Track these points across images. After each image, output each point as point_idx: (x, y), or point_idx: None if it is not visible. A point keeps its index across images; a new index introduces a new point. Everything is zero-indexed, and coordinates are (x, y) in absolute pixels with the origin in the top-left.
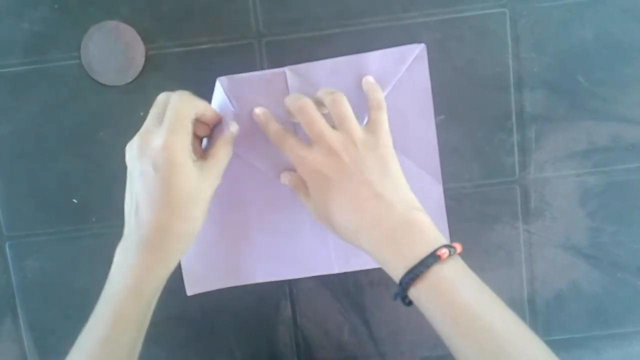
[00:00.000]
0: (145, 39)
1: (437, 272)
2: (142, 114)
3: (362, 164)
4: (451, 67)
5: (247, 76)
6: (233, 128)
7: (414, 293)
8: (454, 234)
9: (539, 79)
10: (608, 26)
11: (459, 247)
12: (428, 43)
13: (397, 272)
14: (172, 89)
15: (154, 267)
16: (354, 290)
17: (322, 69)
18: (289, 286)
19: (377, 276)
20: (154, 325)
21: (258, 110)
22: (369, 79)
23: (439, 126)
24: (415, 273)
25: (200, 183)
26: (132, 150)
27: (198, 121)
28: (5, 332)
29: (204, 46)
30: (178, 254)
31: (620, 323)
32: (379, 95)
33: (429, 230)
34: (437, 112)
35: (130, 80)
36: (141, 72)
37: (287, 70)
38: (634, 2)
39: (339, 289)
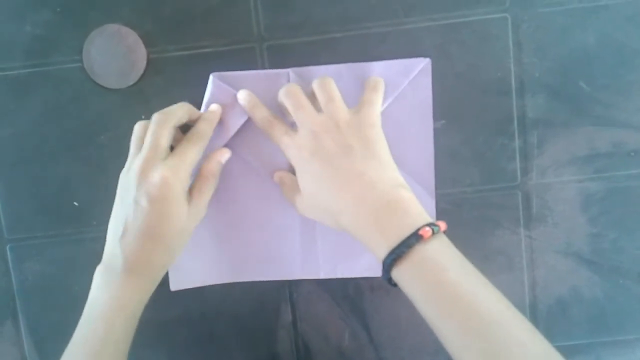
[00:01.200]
0: (147, 43)
1: (420, 251)
2: (143, 117)
3: (344, 146)
4: (453, 71)
5: (248, 74)
6: (222, 158)
7: (397, 274)
8: (455, 239)
9: (540, 84)
10: (610, 32)
11: (442, 225)
12: (430, 48)
13: (380, 253)
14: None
15: (136, 288)
16: (355, 294)
17: (325, 73)
18: (289, 290)
19: (377, 281)
20: (154, 328)
21: (242, 94)
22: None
23: (440, 131)
24: (397, 253)
25: (188, 218)
26: (127, 178)
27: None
28: (5, 335)
29: (206, 50)
30: (156, 281)
31: (622, 329)
32: (379, 80)
33: (413, 208)
34: (439, 116)
35: (131, 83)
36: (143, 76)
37: (290, 71)
38: (637, 7)
39: (339, 293)
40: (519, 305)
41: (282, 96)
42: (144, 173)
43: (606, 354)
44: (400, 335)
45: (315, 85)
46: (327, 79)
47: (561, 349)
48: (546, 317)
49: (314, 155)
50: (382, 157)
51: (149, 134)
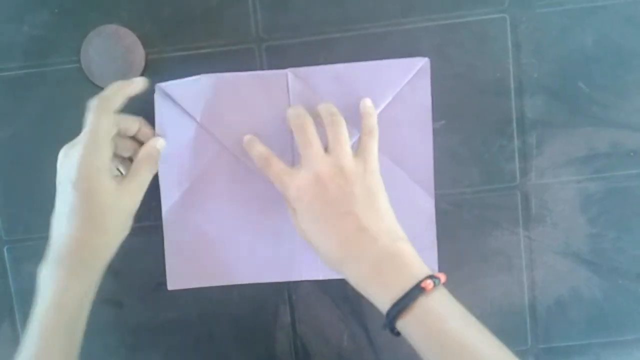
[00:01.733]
0: (145, 44)
1: (422, 303)
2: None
3: (349, 194)
4: (451, 72)
5: (246, 75)
6: (158, 144)
7: (401, 324)
8: (454, 240)
9: (539, 85)
10: (609, 32)
11: (442, 277)
12: (428, 48)
13: (383, 304)
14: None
15: (72, 282)
16: (354, 296)
17: (323, 74)
18: (288, 292)
19: None
20: (151, 330)
21: (247, 138)
22: (367, 103)
23: (439, 131)
24: (401, 305)
25: (118, 196)
26: (58, 163)
27: (126, 140)
28: (2, 336)
29: (204, 50)
30: (97, 268)
31: (621, 330)
32: (373, 121)
33: (413, 261)
34: (438, 117)
35: None
36: (141, 76)
37: (289, 72)
38: (635, 8)
39: (338, 295)
40: (518, 306)
41: (294, 128)
42: (65, 156)
43: (605, 354)
44: (398, 339)
45: (326, 122)
46: (338, 118)
47: (560, 349)
48: (545, 317)
49: (315, 199)
50: (383, 208)
51: (87, 122)
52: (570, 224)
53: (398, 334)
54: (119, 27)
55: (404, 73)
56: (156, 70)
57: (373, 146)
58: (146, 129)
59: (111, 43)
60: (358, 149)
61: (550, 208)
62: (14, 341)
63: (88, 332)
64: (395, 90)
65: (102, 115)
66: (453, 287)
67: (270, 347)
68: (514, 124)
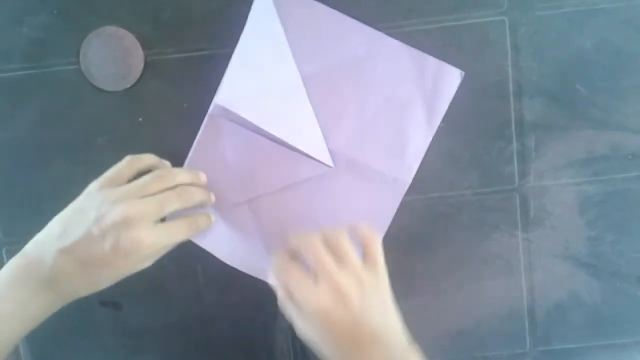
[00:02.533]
0: (145, 45)
1: None
2: (140, 119)
3: (369, 308)
4: None
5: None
6: (204, 224)
7: None
8: (453, 243)
9: (538, 88)
10: (608, 35)
11: None
12: (428, 51)
13: None
14: (169, 97)
15: (46, 303)
16: None
17: (334, 24)
18: None
19: None
20: (151, 334)
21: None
22: (367, 232)
23: (438, 134)
24: None
25: (131, 268)
26: (104, 200)
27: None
28: None
29: (203, 52)
30: (68, 301)
31: (620, 333)
32: (378, 246)
33: None
34: None
35: (129, 86)
36: (140, 78)
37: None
38: (634, 11)
39: None
40: (517, 309)
41: (302, 249)
42: (128, 220)
43: (604, 357)
44: None
45: (328, 237)
46: (338, 238)
47: (559, 353)
48: (544, 320)
49: (337, 315)
50: (393, 316)
51: (156, 185)
52: (569, 227)
53: None
54: (118, 28)
55: (437, 76)
56: (155, 72)
57: (379, 251)
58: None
59: (110, 45)
60: (366, 257)
61: (549, 211)
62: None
63: (87, 334)
64: (418, 87)
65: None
66: (452, 289)
67: (270, 349)
68: (513, 127)
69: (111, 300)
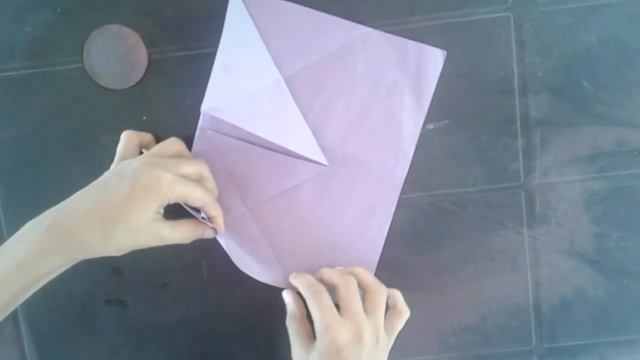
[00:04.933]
0: (148, 43)
1: None
2: (144, 117)
3: (371, 356)
4: (455, 71)
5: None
6: (207, 234)
7: None
8: (458, 239)
9: (543, 84)
10: (613, 31)
11: None
12: (432, 47)
13: None
14: (173, 94)
15: (47, 256)
16: None
17: (309, 21)
18: None
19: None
20: (155, 330)
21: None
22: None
23: (443, 130)
24: None
25: (144, 228)
26: (131, 163)
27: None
28: (6, 337)
29: (207, 50)
30: (76, 258)
31: (626, 329)
32: (403, 301)
33: None
34: (441, 116)
35: (132, 84)
36: (144, 76)
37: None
38: (639, 6)
39: None
40: (522, 305)
41: (306, 293)
42: (147, 164)
43: (610, 353)
44: (403, 335)
45: (369, 290)
46: (378, 291)
47: (565, 349)
48: (550, 317)
49: (348, 353)
50: None
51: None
52: (575, 223)
53: None
54: (122, 26)
55: (419, 58)
56: (159, 70)
57: (400, 326)
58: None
59: (114, 43)
60: (389, 322)
61: (554, 207)
62: (18, 342)
63: (92, 331)
64: (402, 71)
65: (202, 192)
66: (457, 286)
67: (275, 346)
68: (518, 123)
69: (116, 297)
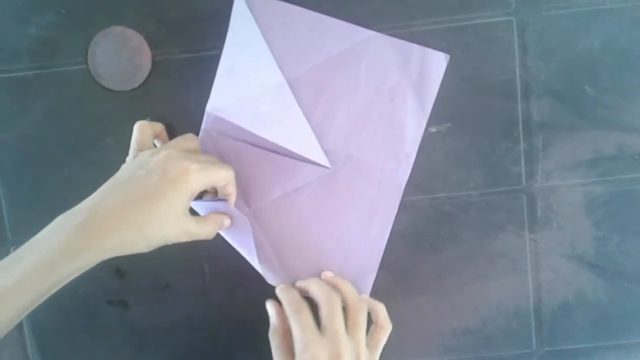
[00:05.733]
0: (152, 45)
1: None
2: (148, 119)
3: None
4: (458, 75)
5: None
6: (226, 223)
7: None
8: (459, 242)
9: (546, 88)
10: (616, 35)
11: None
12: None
13: None
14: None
15: (79, 254)
16: None
17: (312, 24)
18: None
19: (380, 285)
20: (157, 332)
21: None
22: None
23: (445, 134)
24: None
25: (174, 221)
26: (155, 153)
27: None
28: (9, 338)
29: (211, 52)
30: (103, 256)
31: (626, 333)
32: (385, 315)
33: None
34: (444, 119)
35: (136, 85)
36: (147, 78)
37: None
38: None
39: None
40: (523, 309)
41: (288, 310)
42: (172, 156)
43: (610, 357)
44: (404, 339)
45: (350, 308)
46: (358, 311)
47: (565, 353)
48: (550, 320)
49: None
50: None
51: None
52: (576, 227)
53: None
54: (126, 28)
55: (422, 62)
56: (163, 72)
57: (383, 340)
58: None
59: (118, 44)
60: (371, 337)
61: (556, 211)
62: (21, 342)
63: (94, 332)
64: (403, 75)
65: (227, 172)
66: (458, 289)
67: None
68: (520, 127)
69: (118, 299)
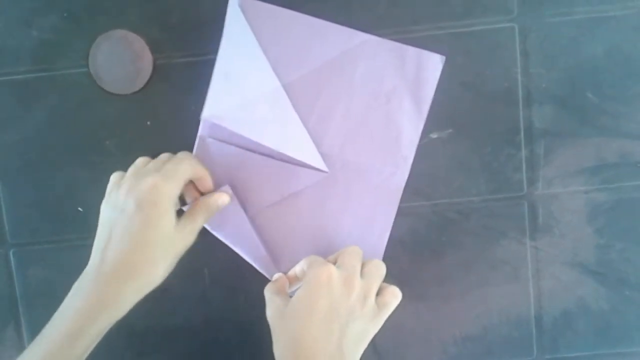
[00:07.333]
0: (154, 49)
1: None
2: (148, 123)
3: (350, 326)
4: (459, 81)
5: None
6: (221, 200)
7: None
8: (460, 249)
9: (548, 95)
10: (618, 42)
11: None
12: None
13: None
14: (178, 100)
15: (102, 310)
16: None
17: (307, 28)
18: None
19: None
20: (156, 336)
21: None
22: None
23: (446, 140)
24: None
25: (174, 234)
26: (119, 188)
27: (190, 185)
28: (7, 340)
29: (212, 56)
30: (130, 301)
31: (628, 341)
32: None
33: None
34: (445, 126)
35: (137, 89)
36: (149, 82)
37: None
38: None
39: None
40: (524, 316)
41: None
42: (138, 177)
43: None
44: (404, 344)
45: (370, 263)
46: (377, 265)
47: None
48: (552, 328)
49: (335, 298)
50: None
51: (170, 160)
52: (578, 235)
53: None
54: (128, 32)
55: (416, 64)
56: (164, 76)
57: (393, 306)
58: (208, 181)
59: (119, 48)
60: (382, 297)
61: (557, 218)
62: (19, 345)
63: None
64: (400, 77)
65: (186, 160)
66: (459, 296)
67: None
68: (522, 134)
69: None
